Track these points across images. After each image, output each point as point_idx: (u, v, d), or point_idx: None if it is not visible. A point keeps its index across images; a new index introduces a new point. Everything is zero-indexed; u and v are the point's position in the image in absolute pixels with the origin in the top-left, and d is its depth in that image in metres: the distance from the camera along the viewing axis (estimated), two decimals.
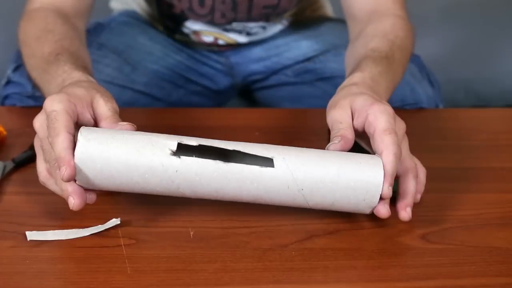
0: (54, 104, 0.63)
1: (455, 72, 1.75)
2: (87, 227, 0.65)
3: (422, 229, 0.67)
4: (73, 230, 0.64)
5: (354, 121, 0.67)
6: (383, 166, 0.62)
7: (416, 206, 0.70)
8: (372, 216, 0.68)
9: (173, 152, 0.60)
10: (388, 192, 0.63)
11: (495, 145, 0.86)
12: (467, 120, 0.95)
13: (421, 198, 0.71)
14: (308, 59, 1.14)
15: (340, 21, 1.18)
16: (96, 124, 0.66)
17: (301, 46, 1.16)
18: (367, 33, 0.87)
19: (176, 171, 0.60)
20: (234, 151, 0.62)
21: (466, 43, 1.85)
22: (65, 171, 0.59)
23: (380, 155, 0.64)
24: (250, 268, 0.60)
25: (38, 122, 0.65)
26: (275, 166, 0.61)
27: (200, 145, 0.61)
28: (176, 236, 0.64)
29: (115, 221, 0.65)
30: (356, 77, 0.74)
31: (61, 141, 0.60)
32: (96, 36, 1.08)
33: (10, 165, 0.76)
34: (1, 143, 0.82)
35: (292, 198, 0.63)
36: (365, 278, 0.59)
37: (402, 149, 0.65)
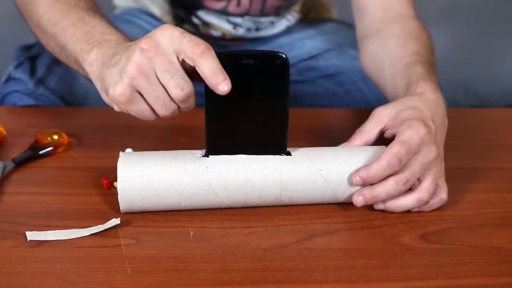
0: (170, 29, 0.61)
1: (455, 72, 1.75)
2: (87, 227, 0.65)
3: (422, 229, 0.67)
4: (73, 230, 0.64)
5: (390, 130, 0.71)
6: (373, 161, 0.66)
7: None
8: (372, 216, 0.68)
9: (202, 155, 0.67)
10: (355, 180, 0.66)
11: (495, 145, 0.86)
12: (467, 120, 0.95)
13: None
14: (312, 57, 1.15)
15: (345, 23, 1.18)
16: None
17: (305, 45, 1.16)
18: (396, 33, 0.87)
19: (207, 167, 0.66)
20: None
21: (466, 43, 1.86)
22: (226, 85, 0.61)
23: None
24: (250, 268, 0.60)
25: (136, 63, 0.61)
26: (292, 155, 0.68)
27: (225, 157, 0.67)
28: (176, 236, 0.64)
29: (115, 221, 0.65)
30: (422, 86, 0.74)
31: (213, 57, 0.61)
32: None
33: (10, 165, 0.76)
34: (1, 143, 0.82)
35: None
36: (365, 278, 0.59)
37: (426, 173, 0.68)
